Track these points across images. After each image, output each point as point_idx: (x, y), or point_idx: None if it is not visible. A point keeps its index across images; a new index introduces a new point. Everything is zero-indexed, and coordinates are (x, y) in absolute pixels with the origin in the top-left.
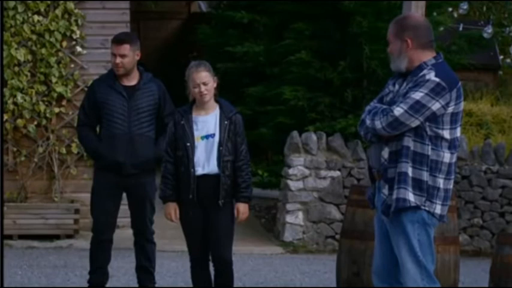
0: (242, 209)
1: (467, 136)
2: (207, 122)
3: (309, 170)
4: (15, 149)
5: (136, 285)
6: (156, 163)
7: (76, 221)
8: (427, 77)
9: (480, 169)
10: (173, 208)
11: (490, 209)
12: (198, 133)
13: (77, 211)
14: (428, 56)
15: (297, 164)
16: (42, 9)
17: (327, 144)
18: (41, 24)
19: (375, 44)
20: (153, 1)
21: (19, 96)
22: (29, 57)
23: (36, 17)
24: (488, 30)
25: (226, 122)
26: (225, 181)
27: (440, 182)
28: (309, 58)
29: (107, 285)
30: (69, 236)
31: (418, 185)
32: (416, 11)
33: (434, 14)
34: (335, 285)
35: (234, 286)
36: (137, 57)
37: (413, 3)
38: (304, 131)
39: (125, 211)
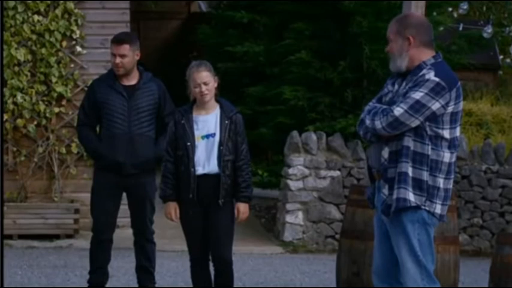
0: (242, 209)
1: (467, 136)
2: (208, 121)
3: (309, 169)
4: (15, 149)
5: (136, 285)
6: (156, 163)
7: (76, 221)
8: (427, 76)
9: (480, 169)
10: (173, 207)
11: (490, 209)
12: (198, 133)
13: (76, 211)
14: (427, 56)
15: (297, 164)
16: (42, 9)
17: (327, 144)
18: (41, 24)
19: (375, 44)
20: (153, 1)
21: (19, 96)
22: (29, 57)
23: (36, 17)
24: (488, 30)
25: (226, 122)
26: (225, 181)
27: (441, 182)
28: (309, 58)
29: (107, 285)
30: (69, 236)
31: (418, 185)
32: (416, 11)
33: (434, 13)
34: (335, 285)
35: (234, 286)
36: (137, 57)
37: (413, 3)
38: (304, 131)
39: (124, 211)
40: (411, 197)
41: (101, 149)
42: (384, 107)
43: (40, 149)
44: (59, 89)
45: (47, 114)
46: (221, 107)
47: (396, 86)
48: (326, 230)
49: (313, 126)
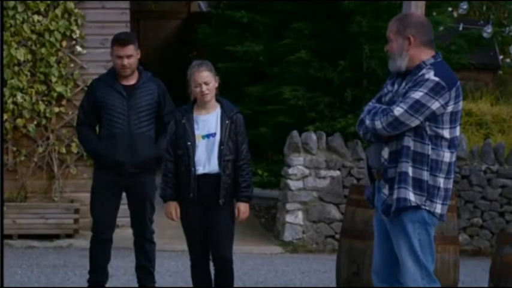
0: (243, 209)
1: (467, 136)
2: (208, 121)
3: (309, 169)
4: (15, 149)
5: (136, 285)
6: (156, 162)
7: (76, 221)
8: (427, 76)
9: (480, 169)
10: (174, 207)
11: (490, 209)
12: (198, 132)
13: (76, 211)
14: (427, 55)
15: (297, 164)
16: (42, 9)
17: (327, 144)
18: (41, 24)
19: (374, 43)
20: (153, 1)
21: (19, 95)
22: (29, 56)
23: (36, 17)
24: (488, 30)
25: (227, 122)
26: (226, 180)
27: (441, 182)
28: (309, 58)
29: (107, 285)
30: (69, 236)
31: (419, 185)
32: (416, 11)
33: (434, 13)
34: (335, 285)
35: (234, 285)
36: (138, 56)
37: (413, 3)
38: (304, 131)
39: (124, 210)
40: (411, 196)
41: (100, 148)
42: (384, 107)
43: (40, 149)
44: (59, 88)
45: (47, 114)
46: (222, 107)
47: (396, 86)
48: (326, 229)
49: (313, 126)
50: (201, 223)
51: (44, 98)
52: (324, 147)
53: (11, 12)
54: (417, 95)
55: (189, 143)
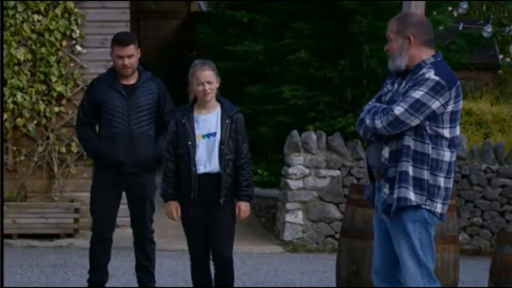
0: (244, 208)
1: (467, 135)
2: (208, 120)
3: (309, 169)
4: (15, 148)
5: (136, 285)
6: (155, 162)
7: (76, 220)
8: (427, 75)
9: (480, 168)
10: (174, 207)
11: (490, 208)
12: (199, 132)
13: (76, 210)
14: (427, 55)
15: (297, 163)
16: (42, 9)
17: (327, 144)
18: (41, 24)
19: (374, 43)
20: (153, 1)
21: (19, 95)
22: (29, 56)
23: (36, 16)
24: (488, 30)
25: (227, 121)
26: (226, 180)
27: (441, 181)
28: (309, 57)
29: (107, 285)
30: (69, 235)
31: (419, 184)
32: (416, 10)
33: (434, 13)
34: (335, 285)
35: (234, 285)
36: (138, 56)
37: (413, 3)
38: (304, 130)
39: (124, 210)
40: (412, 196)
41: (100, 148)
42: (384, 106)
43: (40, 149)
44: (59, 88)
45: (47, 114)
46: (222, 106)
47: (396, 86)
48: (326, 229)
49: (313, 126)
50: (202, 222)
51: (44, 98)
52: (324, 146)
53: (11, 12)
54: (417, 94)
55: (189, 143)
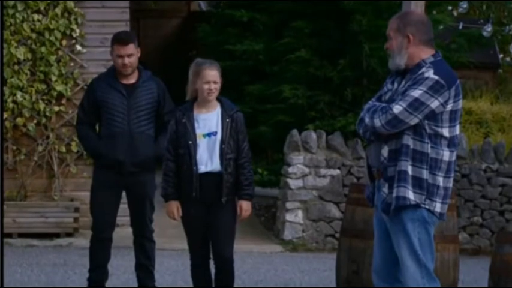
0: (245, 207)
1: (467, 135)
2: (209, 120)
3: (309, 168)
4: (14, 148)
5: (136, 284)
6: (155, 161)
7: (76, 220)
8: (426, 74)
9: (480, 167)
10: (175, 206)
11: (490, 208)
12: (199, 131)
13: (76, 209)
14: (427, 54)
15: (297, 163)
16: (41, 8)
17: (327, 143)
18: (41, 23)
19: (374, 42)
20: (153, 0)
21: (19, 94)
22: (29, 55)
23: (35, 16)
24: (488, 29)
25: (228, 120)
26: (228, 179)
27: (440, 180)
28: (309, 56)
29: (107, 284)
30: (68, 235)
31: (418, 183)
32: (416, 9)
33: (434, 12)
34: (334, 284)
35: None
36: (138, 55)
37: (413, 2)
38: (304, 130)
39: (124, 210)
40: (411, 195)
41: (100, 147)
42: (383, 105)
43: (40, 148)
44: (59, 87)
45: (47, 113)
46: (222, 106)
47: (396, 85)
48: (326, 228)
49: (313, 125)
50: (203, 222)
51: (44, 97)
52: (323, 146)
53: (10, 11)
54: (416, 93)
55: (190, 142)
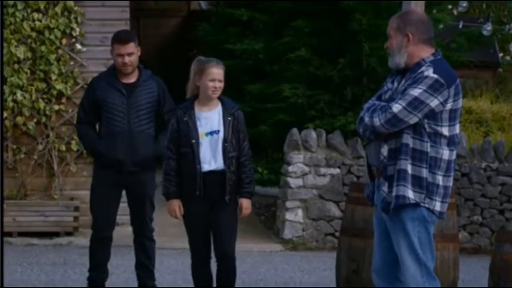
0: (245, 205)
1: (467, 134)
2: (210, 118)
3: (309, 167)
4: (14, 147)
5: (136, 283)
6: (155, 160)
7: (76, 219)
8: (426, 73)
9: (480, 166)
10: (177, 205)
11: (490, 207)
12: (202, 129)
13: (76, 208)
14: (427, 53)
15: (297, 162)
16: (41, 7)
17: (327, 142)
18: (41, 22)
19: (374, 41)
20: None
21: (19, 93)
22: (29, 54)
23: (35, 15)
24: (488, 28)
25: (229, 119)
26: (231, 177)
27: (440, 179)
28: (309, 55)
29: (107, 283)
30: (68, 234)
31: (418, 182)
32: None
33: (434, 11)
34: (334, 283)
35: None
36: (138, 54)
37: (413, 2)
38: (304, 129)
39: (124, 209)
40: (410, 194)
41: (100, 146)
42: (383, 104)
43: (40, 147)
44: (59, 86)
45: (47, 112)
46: (222, 104)
47: (395, 84)
48: (326, 227)
49: (313, 124)
50: (205, 220)
51: (44, 96)
52: (323, 145)
53: (10, 10)
54: (416, 92)
55: (193, 141)
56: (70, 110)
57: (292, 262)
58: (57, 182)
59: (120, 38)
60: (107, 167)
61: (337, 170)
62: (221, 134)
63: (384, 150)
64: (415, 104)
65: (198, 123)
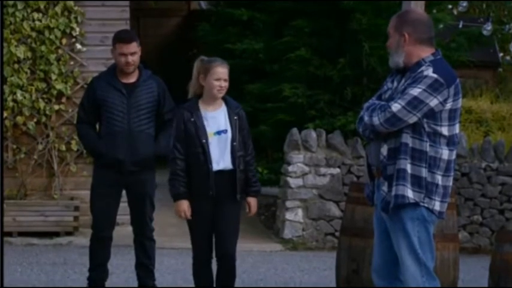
0: (253, 203)
1: (467, 133)
2: (217, 118)
3: (309, 167)
4: (14, 146)
5: (136, 283)
6: (155, 160)
7: (76, 218)
8: (425, 73)
9: (480, 166)
10: (186, 205)
11: (490, 206)
12: (209, 129)
13: (76, 208)
14: (427, 53)
15: (297, 161)
16: (41, 7)
17: (327, 142)
18: (41, 22)
19: (374, 41)
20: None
21: (19, 93)
22: (29, 54)
23: (35, 15)
24: (488, 28)
25: (235, 118)
26: (240, 176)
27: (439, 179)
28: (309, 55)
29: (107, 283)
30: (68, 233)
31: (417, 182)
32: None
33: (434, 11)
34: (334, 283)
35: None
36: (139, 53)
37: (413, 2)
38: (304, 128)
39: (124, 208)
40: (410, 193)
41: (100, 146)
42: (382, 103)
43: (40, 147)
44: (59, 86)
45: (47, 112)
46: (226, 104)
47: (395, 83)
48: (326, 227)
49: (313, 124)
50: (211, 220)
51: (44, 96)
52: (323, 144)
53: (10, 10)
54: (415, 91)
55: (204, 141)
56: (70, 110)
57: (292, 262)
58: (57, 181)
59: (123, 38)
60: (107, 166)
61: (337, 170)
62: (229, 134)
63: (384, 150)
64: (415, 103)
65: (205, 123)
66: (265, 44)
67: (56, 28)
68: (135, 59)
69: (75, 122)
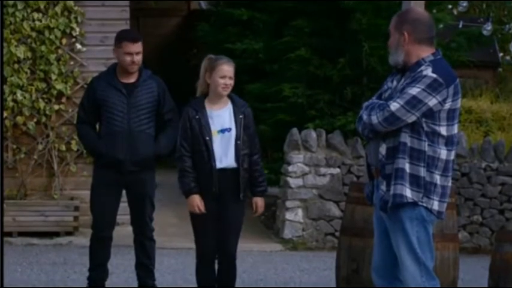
0: (260, 203)
1: (467, 133)
2: (221, 116)
3: (309, 167)
4: (14, 146)
5: (136, 283)
6: (155, 160)
7: (76, 218)
8: (424, 72)
9: (480, 166)
10: (199, 200)
11: (490, 206)
12: (213, 127)
13: (76, 208)
14: (426, 52)
15: (297, 161)
16: (41, 7)
17: (327, 142)
18: (41, 22)
19: (374, 41)
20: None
21: (19, 93)
22: (29, 54)
23: (35, 15)
24: (488, 28)
25: (241, 116)
26: (244, 175)
27: (437, 178)
28: (309, 55)
29: (107, 283)
30: (68, 233)
31: (416, 181)
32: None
33: (434, 11)
34: (334, 283)
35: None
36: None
37: (413, 2)
38: (304, 128)
39: (124, 208)
40: (408, 193)
41: (100, 146)
42: (381, 102)
43: (40, 147)
44: (59, 86)
45: (47, 112)
46: (232, 102)
47: (395, 83)
48: (326, 227)
49: (313, 124)
50: (216, 218)
51: (44, 96)
52: (323, 144)
53: (10, 10)
54: (414, 91)
55: (207, 138)
56: (70, 110)
57: (292, 262)
58: (57, 181)
59: (130, 37)
60: (107, 166)
61: (337, 170)
62: (233, 132)
63: (382, 149)
64: (413, 102)
65: (210, 121)
66: (265, 44)
67: (56, 28)
68: (139, 58)
69: (75, 122)
